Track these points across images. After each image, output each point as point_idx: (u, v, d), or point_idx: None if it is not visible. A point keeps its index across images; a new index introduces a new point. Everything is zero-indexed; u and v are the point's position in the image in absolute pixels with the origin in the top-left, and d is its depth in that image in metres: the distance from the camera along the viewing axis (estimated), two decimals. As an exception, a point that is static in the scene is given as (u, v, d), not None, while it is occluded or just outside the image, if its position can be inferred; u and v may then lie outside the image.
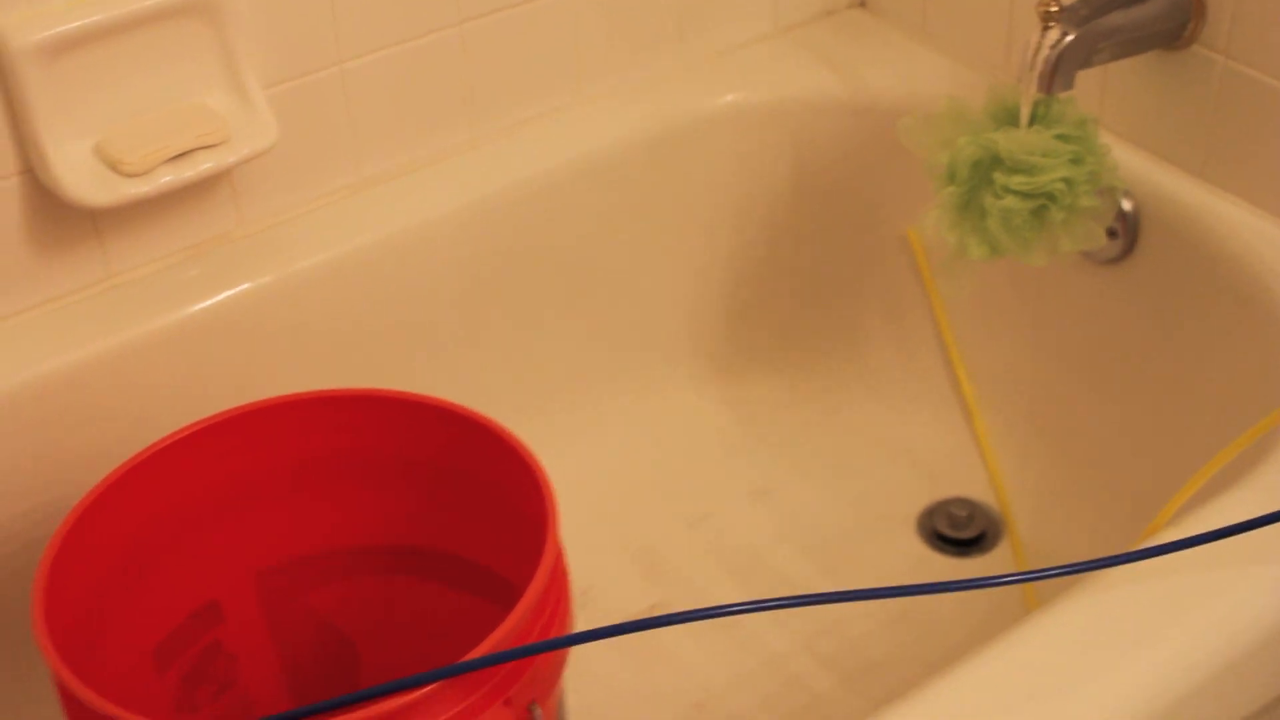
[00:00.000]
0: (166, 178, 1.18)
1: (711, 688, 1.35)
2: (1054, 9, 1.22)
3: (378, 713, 0.86)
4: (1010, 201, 1.21)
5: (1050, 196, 1.21)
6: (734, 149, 1.50)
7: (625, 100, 1.47)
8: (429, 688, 0.87)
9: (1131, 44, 1.27)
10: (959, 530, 1.47)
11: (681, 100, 1.48)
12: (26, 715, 1.24)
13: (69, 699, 0.92)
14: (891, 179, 1.50)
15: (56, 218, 1.21)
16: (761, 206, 1.54)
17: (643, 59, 1.48)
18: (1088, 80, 1.26)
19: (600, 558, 1.44)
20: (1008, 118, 1.25)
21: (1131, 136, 1.36)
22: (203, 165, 1.19)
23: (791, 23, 1.57)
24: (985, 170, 1.24)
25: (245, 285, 1.27)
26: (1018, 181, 1.21)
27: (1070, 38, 1.21)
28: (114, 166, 1.17)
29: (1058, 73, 1.22)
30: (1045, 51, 1.22)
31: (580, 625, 1.01)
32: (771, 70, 1.52)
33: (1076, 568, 0.95)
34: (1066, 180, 1.21)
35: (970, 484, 1.51)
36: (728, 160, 1.50)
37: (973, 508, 1.48)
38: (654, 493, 1.53)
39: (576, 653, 0.99)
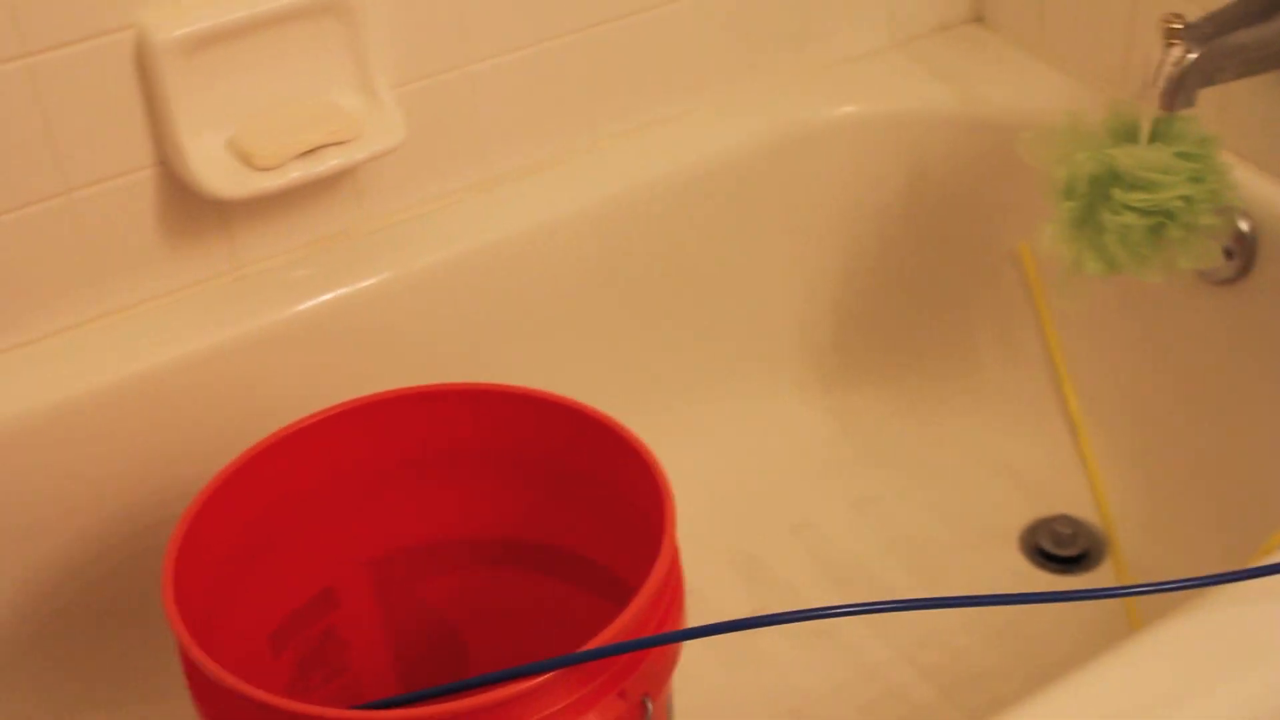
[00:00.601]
0: (296, 173, 1.21)
1: (809, 694, 1.35)
2: (1178, 26, 1.21)
3: (494, 699, 0.87)
4: (1128, 218, 1.21)
5: (1169, 214, 1.21)
6: (849, 160, 1.51)
7: (743, 108, 1.49)
8: (546, 676, 0.88)
9: (1255, 63, 1.26)
10: (1062, 548, 1.46)
11: (798, 110, 1.49)
12: (152, 687, 1.28)
13: (194, 673, 0.95)
14: (1004, 194, 1.50)
15: (188, 209, 1.24)
16: (874, 218, 1.54)
17: (762, 68, 1.50)
18: (1208, 98, 1.25)
19: (702, 561, 1.45)
20: (1127, 134, 1.25)
21: (1251, 156, 1.35)
22: (331, 161, 1.22)
23: (908, 36, 1.57)
24: (1103, 186, 1.24)
25: (367, 281, 1.30)
26: (1136, 198, 1.21)
27: (1194, 56, 1.21)
28: (246, 160, 1.20)
29: (1180, 90, 1.22)
30: (1168, 69, 1.21)
31: (684, 626, 1.03)
32: (888, 82, 1.52)
33: (1190, 583, 0.95)
34: (1186, 198, 1.21)
35: (1074, 502, 1.50)
36: (842, 171, 1.51)
37: (1076, 525, 1.48)
38: (757, 499, 1.54)
39: (681, 655, 1.00)
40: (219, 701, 0.93)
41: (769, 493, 1.55)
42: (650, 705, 0.94)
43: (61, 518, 1.23)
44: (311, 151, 1.21)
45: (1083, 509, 1.50)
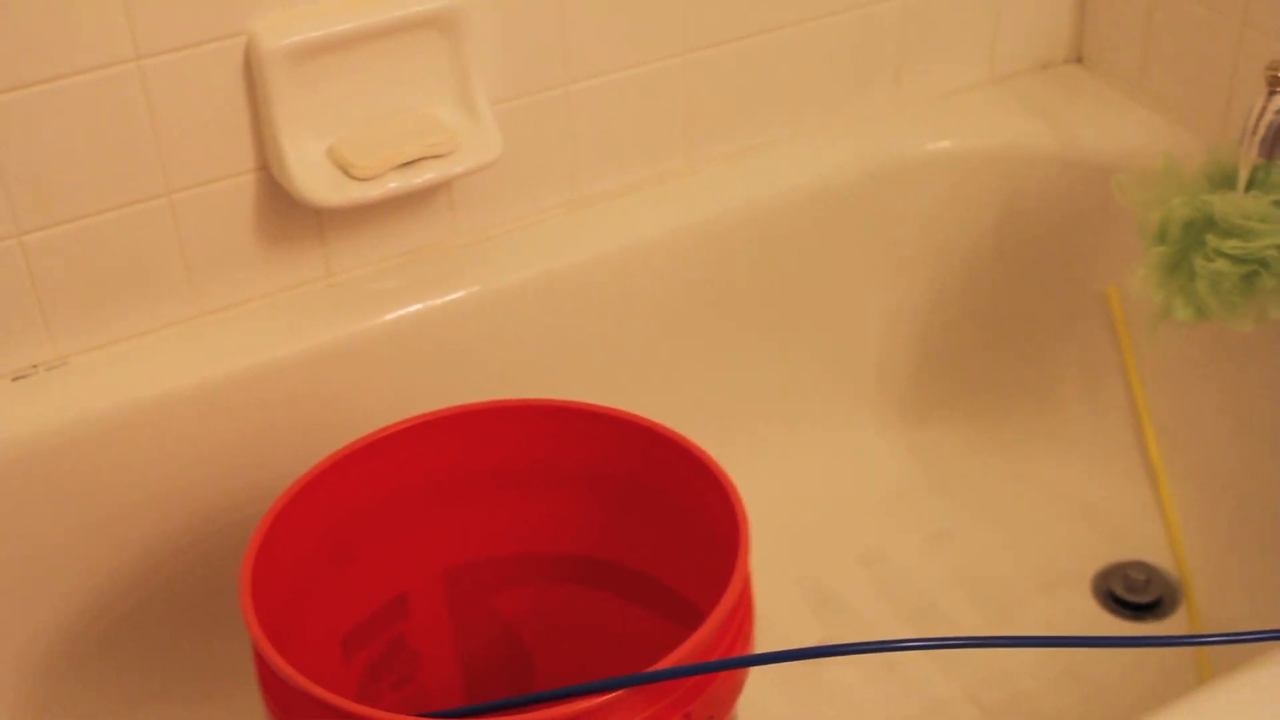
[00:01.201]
0: (393, 184, 1.22)
1: (875, 727, 1.35)
2: (1281, 75, 1.21)
3: (559, 715, 0.88)
4: (1221, 265, 1.21)
5: (1263, 263, 1.20)
6: (942, 194, 1.51)
7: (838, 138, 1.49)
8: (611, 695, 0.89)
9: (1358, 116, 1.25)
10: (1135, 594, 1.45)
11: (894, 142, 1.50)
12: (223, 685, 1.30)
13: (267, 674, 0.96)
14: (1096, 235, 1.49)
15: (285, 215, 1.26)
16: (963, 253, 1.54)
17: (859, 98, 1.50)
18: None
19: (772, 588, 1.45)
20: (1224, 180, 1.25)
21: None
22: (428, 174, 1.23)
23: (1007, 73, 1.57)
24: (1198, 232, 1.23)
25: (456, 294, 1.32)
26: (1231, 245, 1.20)
27: (1295, 106, 1.20)
28: (345, 169, 1.21)
29: (1280, 139, 1.21)
30: (1270, 116, 1.21)
31: (752, 652, 1.03)
32: (985, 118, 1.52)
33: (1267, 635, 0.94)
34: (1280, 248, 1.20)
35: (1150, 548, 1.49)
36: (934, 204, 1.51)
37: (1151, 572, 1.47)
38: (830, 529, 1.54)
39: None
40: (290, 703, 0.94)
41: (841, 522, 1.55)
42: (714, 730, 0.94)
43: (146, 514, 1.26)
44: (409, 163, 1.23)
45: (1158, 556, 1.48)
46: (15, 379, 1.22)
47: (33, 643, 1.25)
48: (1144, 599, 1.45)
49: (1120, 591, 1.46)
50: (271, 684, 0.96)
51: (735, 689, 0.98)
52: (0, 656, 1.24)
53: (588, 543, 1.18)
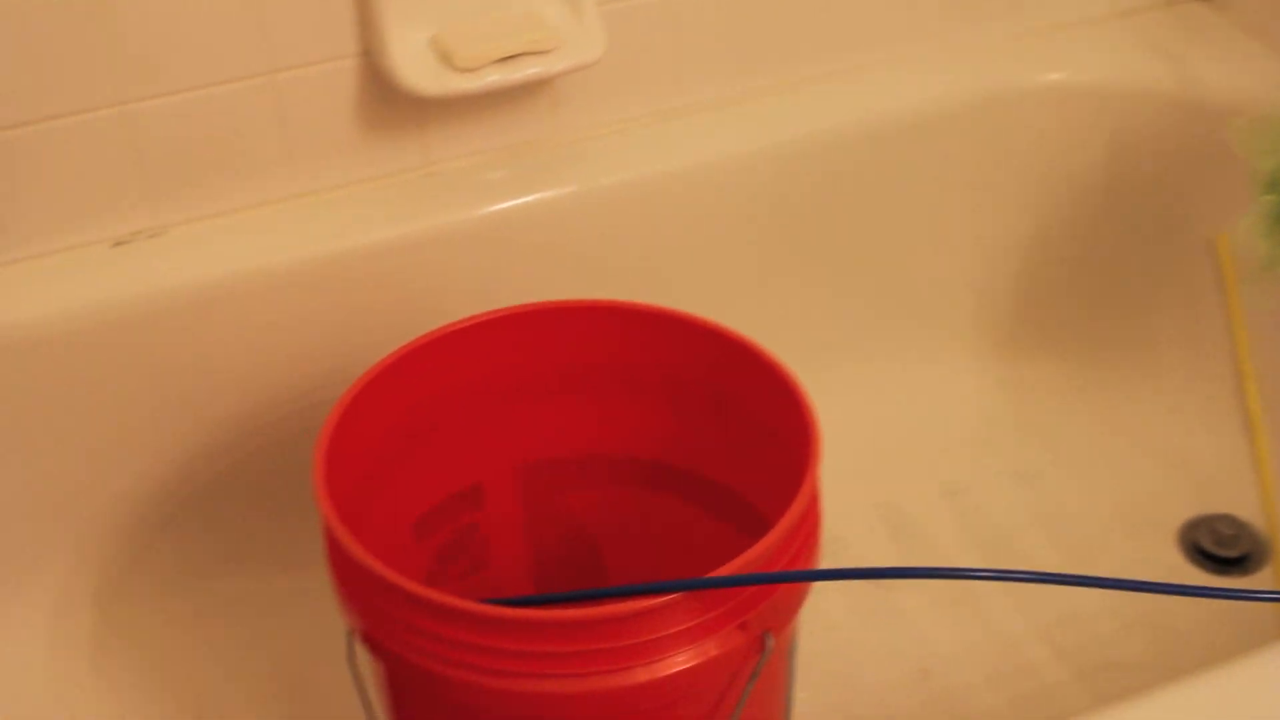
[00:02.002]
0: (493, 77, 1.22)
1: (940, 656, 1.34)
2: None
3: (618, 611, 0.89)
4: (1331, 217, 1.17)
5: (1374, 218, 1.17)
6: (1050, 129, 1.48)
7: (948, 63, 1.47)
8: (669, 597, 0.89)
9: None
10: (1222, 548, 1.43)
11: (1004, 71, 1.47)
12: (294, 560, 1.32)
13: (336, 551, 0.98)
14: (1208, 181, 1.46)
15: (386, 102, 1.27)
16: (1067, 190, 1.51)
17: (973, 23, 1.47)
18: None
19: (851, 512, 1.45)
20: (1343, 131, 1.21)
21: None
22: (529, 70, 1.23)
23: (1129, 8, 1.53)
24: (1311, 183, 1.20)
25: (549, 192, 1.32)
26: (1343, 198, 1.17)
27: None
28: (447, 60, 1.22)
29: (1406, 91, 1.17)
30: (1396, 68, 1.17)
31: (817, 567, 1.03)
32: (1101, 53, 1.49)
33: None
34: (1395, 204, 1.16)
35: (1241, 502, 1.46)
36: (1041, 139, 1.48)
37: (1240, 527, 1.44)
38: (915, 459, 1.53)
39: (812, 599, 1.00)
40: (358, 581, 0.95)
41: (927, 454, 1.54)
42: (771, 642, 0.94)
43: (230, 388, 1.28)
44: (511, 58, 1.23)
45: (1249, 511, 1.46)
46: (116, 245, 1.24)
47: (113, 507, 1.28)
48: (1230, 553, 1.42)
49: (1206, 544, 1.43)
50: (340, 563, 0.98)
51: (796, 603, 0.98)
52: (81, 518, 1.28)
53: (660, 447, 1.18)
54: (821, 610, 1.31)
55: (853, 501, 1.46)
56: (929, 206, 1.49)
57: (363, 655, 1.01)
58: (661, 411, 1.17)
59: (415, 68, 1.21)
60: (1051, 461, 1.53)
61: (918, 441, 1.55)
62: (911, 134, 1.44)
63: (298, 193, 1.28)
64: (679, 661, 0.90)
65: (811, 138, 1.41)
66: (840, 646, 1.34)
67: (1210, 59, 1.47)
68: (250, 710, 1.29)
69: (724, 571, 0.90)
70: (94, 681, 1.29)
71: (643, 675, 0.90)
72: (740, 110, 1.40)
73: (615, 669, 0.89)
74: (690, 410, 1.15)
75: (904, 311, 1.55)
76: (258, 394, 1.28)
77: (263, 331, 1.26)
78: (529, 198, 1.31)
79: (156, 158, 1.22)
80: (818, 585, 1.00)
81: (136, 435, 1.26)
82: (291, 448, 1.30)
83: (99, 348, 1.22)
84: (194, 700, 1.29)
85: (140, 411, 1.25)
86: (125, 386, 1.24)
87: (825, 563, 1.05)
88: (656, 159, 1.36)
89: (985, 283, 1.56)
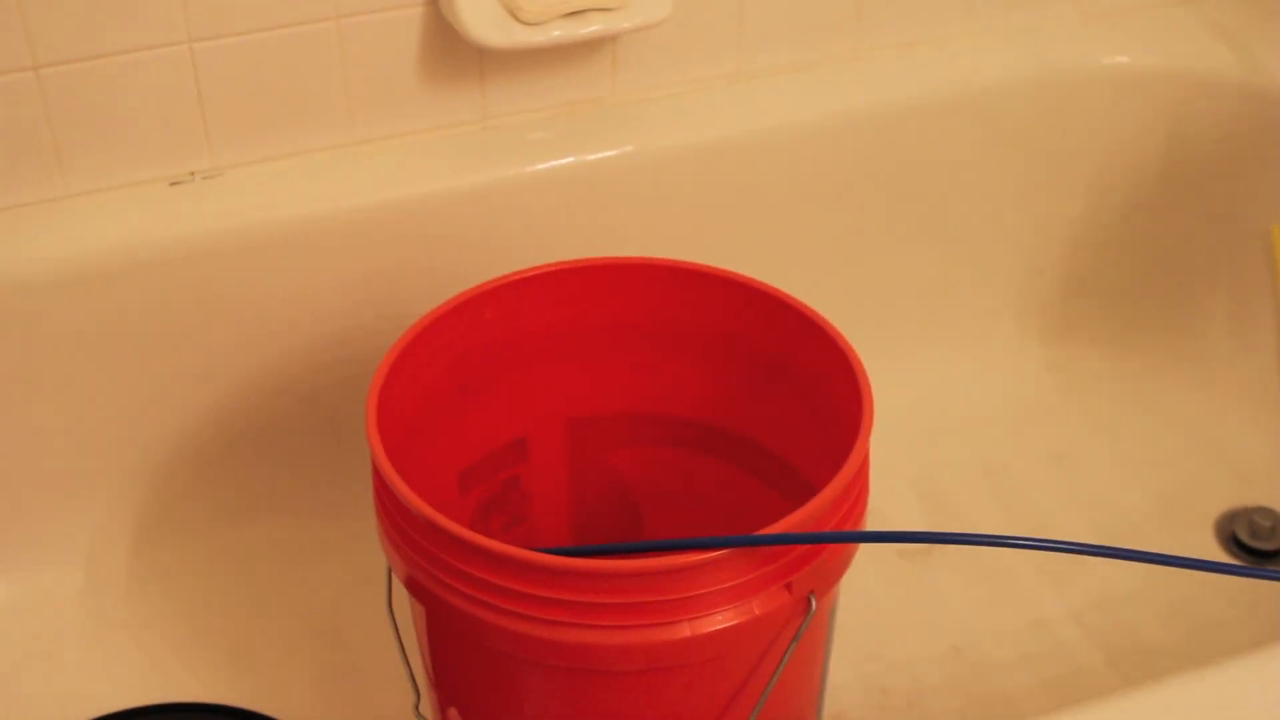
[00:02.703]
0: (558, 31, 1.22)
1: (973, 633, 1.34)
2: None
3: (663, 565, 0.89)
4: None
5: None
6: (1110, 110, 1.47)
7: (1012, 40, 1.46)
8: (718, 553, 0.89)
9: None
10: (1259, 540, 1.42)
11: (1068, 51, 1.46)
12: (334, 507, 1.33)
13: (384, 493, 0.98)
14: (1266, 171, 1.45)
15: (449, 52, 1.27)
16: (1123, 174, 1.51)
17: (1039, 3, 1.47)
18: None
19: (891, 486, 1.45)
20: None
21: None
22: (594, 26, 1.23)
23: (1199, -7, 1.53)
24: (1372, 175, 1.19)
25: (609, 151, 1.32)
26: (1405, 192, 1.16)
27: None
28: (512, 12, 1.21)
29: None
30: None
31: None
32: (1167, 37, 1.48)
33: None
34: None
35: (1280, 496, 1.46)
36: (1101, 120, 1.48)
37: (1277, 520, 1.44)
38: (956, 435, 1.53)
39: (848, 572, 1.01)
40: (405, 523, 0.96)
41: (969, 431, 1.53)
42: (814, 603, 0.94)
43: (281, 332, 1.28)
44: (577, 13, 1.23)
45: (1288, 505, 1.46)
46: (172, 184, 1.24)
47: (154, 447, 1.29)
48: (1268, 546, 1.42)
49: (1243, 536, 1.43)
50: (387, 504, 0.98)
51: (841, 565, 0.98)
52: (123, 457, 1.28)
53: (707, 409, 1.18)
54: (856, 583, 1.31)
55: (891, 475, 1.46)
56: (985, 185, 1.49)
57: (400, 601, 1.01)
58: (711, 374, 1.17)
59: (480, 18, 1.21)
60: (1093, 445, 1.52)
61: (959, 419, 1.54)
62: (970, 111, 1.44)
63: (356, 140, 1.29)
64: (724, 619, 0.90)
65: (869, 111, 1.41)
66: (874, 619, 1.34)
67: (1276, 45, 1.46)
68: (283, 653, 1.30)
69: (775, 530, 0.90)
70: (128, 619, 1.30)
71: (686, 630, 0.90)
72: (801, 78, 1.40)
73: (660, 623, 0.89)
74: (740, 374, 1.15)
75: (954, 289, 1.55)
76: (306, 340, 1.29)
77: (312, 278, 1.26)
78: (585, 157, 1.31)
79: (217, 99, 1.22)
80: (854, 558, 1.00)
81: (181, 377, 1.27)
82: (341, 395, 1.30)
83: (150, 286, 1.22)
84: (228, 643, 1.30)
85: (187, 353, 1.26)
86: (174, 326, 1.24)
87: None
88: (715, 123, 1.35)
89: (1037, 262, 1.56)
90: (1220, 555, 1.42)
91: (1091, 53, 1.46)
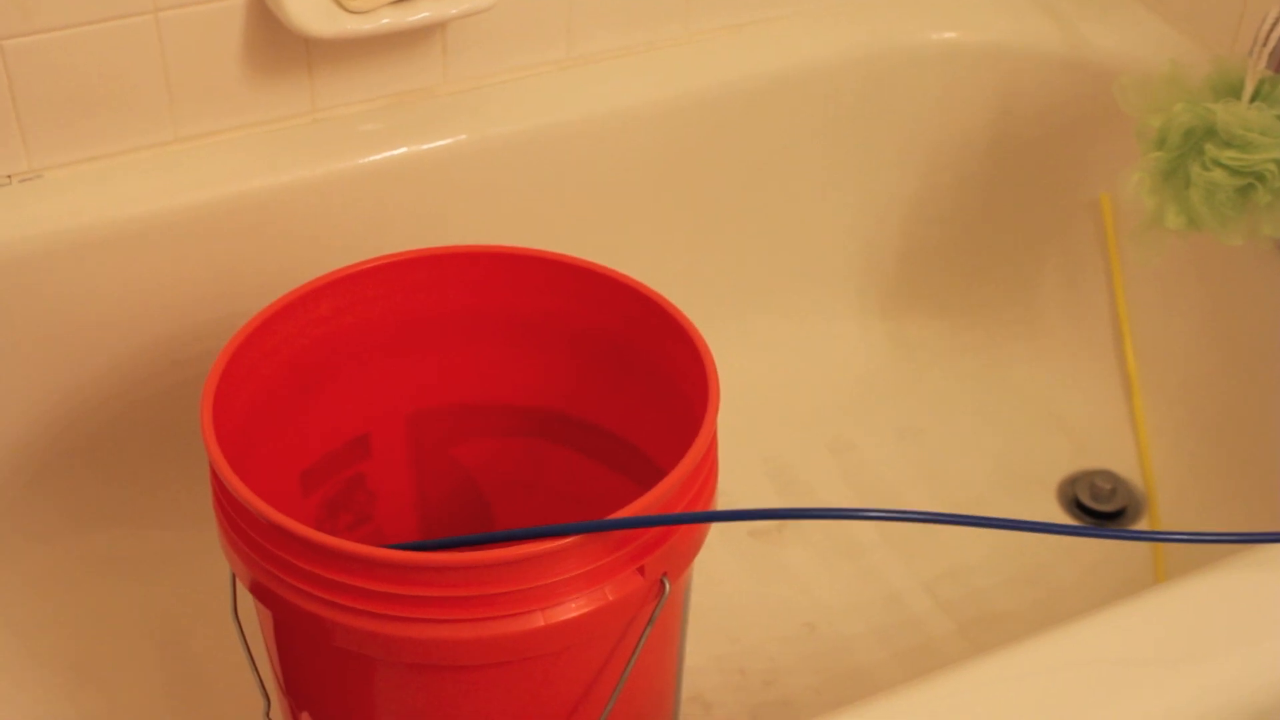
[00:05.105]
0: (386, 19, 1.20)
1: (827, 610, 1.35)
2: (1296, -14, 1.19)
3: (513, 555, 0.87)
4: (1217, 175, 1.19)
5: (1259, 176, 1.19)
6: (940, 87, 1.49)
7: (840, 21, 1.46)
8: (567, 540, 0.88)
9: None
10: (1100, 503, 1.45)
11: (897, 29, 1.47)
12: (174, 514, 1.29)
13: (224, 497, 0.95)
14: (1092, 142, 1.48)
15: (274, 43, 1.24)
16: (956, 148, 1.52)
17: (867, -21, 1.48)
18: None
19: (738, 467, 1.45)
20: (1229, 91, 1.23)
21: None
22: (422, 13, 1.21)
23: (1021, -30, 1.55)
24: (1197, 140, 1.21)
25: (442, 141, 1.30)
26: (1229, 156, 1.19)
27: (1309, 17, 1.18)
28: (339, 1, 1.19)
29: (1289, 52, 1.20)
30: (1280, 28, 1.19)
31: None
32: (992, 13, 1.50)
33: (1221, 537, 0.94)
34: (1279, 162, 1.18)
35: (1118, 458, 1.49)
36: (931, 97, 1.49)
37: (1117, 482, 1.47)
38: (802, 415, 1.54)
39: (700, 555, 1.00)
40: (246, 525, 0.93)
41: (814, 410, 1.54)
42: (668, 585, 0.94)
43: (111, 336, 1.24)
44: (404, 1, 1.21)
45: (1126, 467, 1.48)
46: (-12, 188, 1.20)
47: (-11, 455, 1.25)
48: (1108, 508, 1.45)
49: (1085, 499, 1.46)
50: (227, 507, 0.95)
51: (694, 547, 0.97)
52: (-45, 466, 1.24)
53: (556, 398, 1.17)
54: (708, 565, 1.31)
55: (740, 457, 1.46)
56: (820, 162, 1.50)
57: (245, 607, 0.98)
58: (556, 360, 1.15)
59: (306, 8, 1.18)
60: (936, 418, 1.54)
61: (804, 398, 1.55)
62: (803, 89, 1.44)
63: (180, 137, 1.25)
64: (577, 606, 0.89)
65: (701, 93, 1.40)
66: (727, 600, 1.35)
67: (1099, 21, 1.49)
68: (127, 668, 1.26)
69: (625, 514, 0.89)
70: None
71: (540, 620, 0.89)
72: (633, 62, 1.39)
73: (512, 614, 0.88)
74: (586, 359, 1.14)
75: (794, 267, 1.55)
76: (138, 343, 1.25)
77: (143, 279, 1.23)
78: (417, 147, 1.29)
79: (32, 97, 1.18)
80: (706, 539, 0.99)
81: (11, 383, 1.22)
82: (173, 399, 1.27)
83: (-30, 293, 1.18)
84: (68, 661, 1.26)
85: (16, 359, 1.21)
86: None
87: (717, 513, 1.05)
88: (547, 110, 1.34)
89: (873, 239, 1.57)
90: (1063, 518, 1.45)
91: (921, 30, 1.48)
